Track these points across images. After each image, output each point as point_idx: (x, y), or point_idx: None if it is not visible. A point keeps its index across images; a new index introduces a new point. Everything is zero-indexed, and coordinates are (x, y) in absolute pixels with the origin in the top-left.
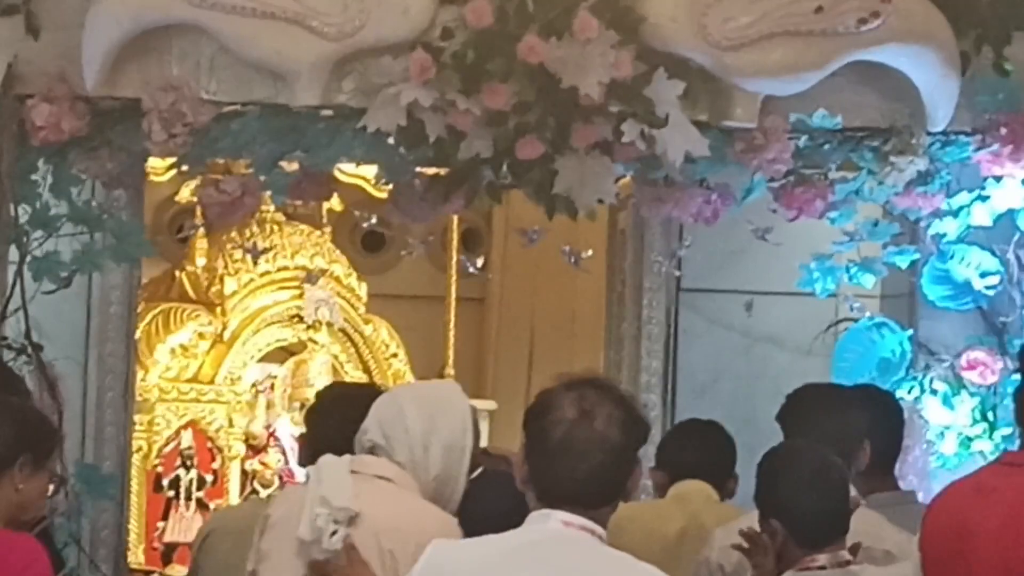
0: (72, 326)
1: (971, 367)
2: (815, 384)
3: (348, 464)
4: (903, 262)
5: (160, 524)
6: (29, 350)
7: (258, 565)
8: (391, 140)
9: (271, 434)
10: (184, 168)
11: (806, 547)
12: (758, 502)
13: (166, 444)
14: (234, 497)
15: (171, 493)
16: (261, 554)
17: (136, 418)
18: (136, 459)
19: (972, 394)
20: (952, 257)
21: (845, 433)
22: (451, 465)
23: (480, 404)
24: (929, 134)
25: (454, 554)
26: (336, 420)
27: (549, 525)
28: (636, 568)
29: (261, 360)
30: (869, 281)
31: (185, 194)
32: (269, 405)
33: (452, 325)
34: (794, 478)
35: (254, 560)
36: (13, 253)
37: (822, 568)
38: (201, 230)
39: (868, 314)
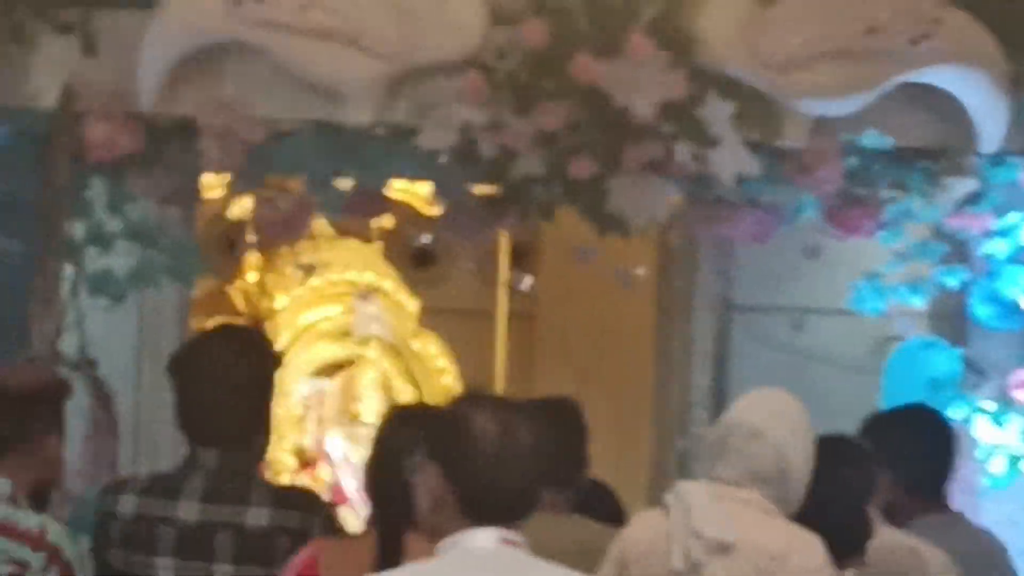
0: (125, 342)
1: (1020, 387)
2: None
3: (708, 491)
4: (953, 282)
5: None
6: (84, 366)
7: None
8: (444, 159)
9: (321, 449)
10: (239, 186)
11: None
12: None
13: None
14: None
15: None
16: None
17: None
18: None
19: (1021, 414)
20: (1002, 277)
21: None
22: (799, 481)
23: None
24: (979, 155)
25: None
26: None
27: (489, 546)
28: None
29: (311, 375)
30: (919, 301)
31: (237, 210)
32: (319, 420)
33: (501, 340)
34: (822, 492)
35: None
36: (68, 269)
37: None
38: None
39: (918, 334)
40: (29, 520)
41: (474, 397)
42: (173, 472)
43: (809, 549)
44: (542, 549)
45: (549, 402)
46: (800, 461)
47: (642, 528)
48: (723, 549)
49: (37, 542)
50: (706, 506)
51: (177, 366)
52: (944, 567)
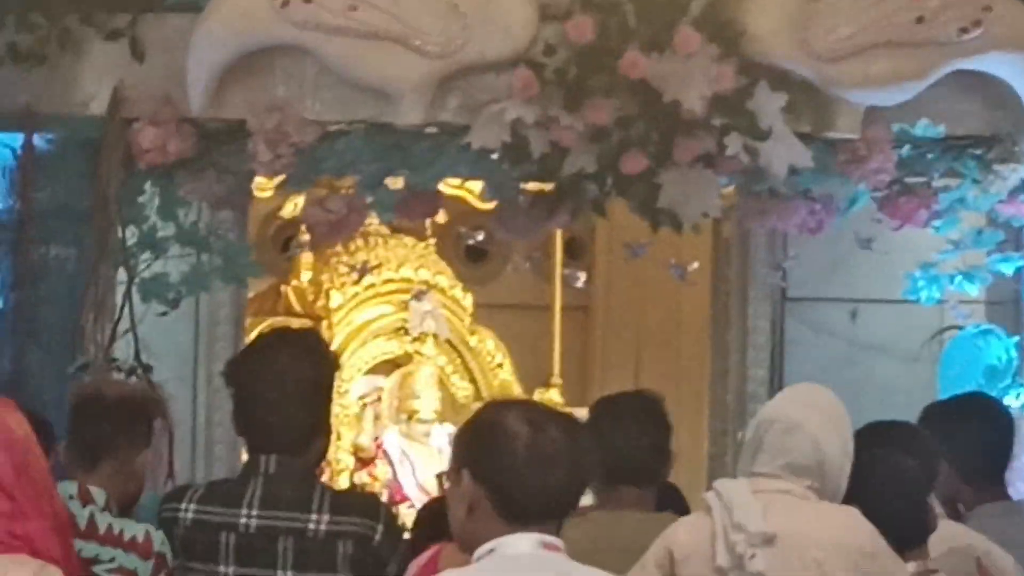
0: (180, 345)
1: None
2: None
3: (747, 486)
4: (1008, 269)
5: None
6: (139, 371)
7: None
8: (495, 157)
9: (379, 447)
10: (290, 187)
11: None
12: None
13: None
14: None
15: None
16: None
17: None
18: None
19: None
20: None
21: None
22: (838, 471)
23: (586, 413)
24: None
25: None
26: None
27: (527, 550)
28: None
29: (368, 373)
30: (974, 289)
31: (289, 209)
32: (377, 417)
33: (558, 334)
34: (869, 484)
35: None
36: (122, 275)
37: None
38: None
39: (974, 321)
40: (134, 529)
41: (503, 401)
42: (234, 479)
43: (855, 530)
44: (629, 546)
45: (632, 396)
46: (836, 452)
47: (686, 530)
48: (767, 541)
49: (145, 550)
50: (746, 500)
51: (234, 372)
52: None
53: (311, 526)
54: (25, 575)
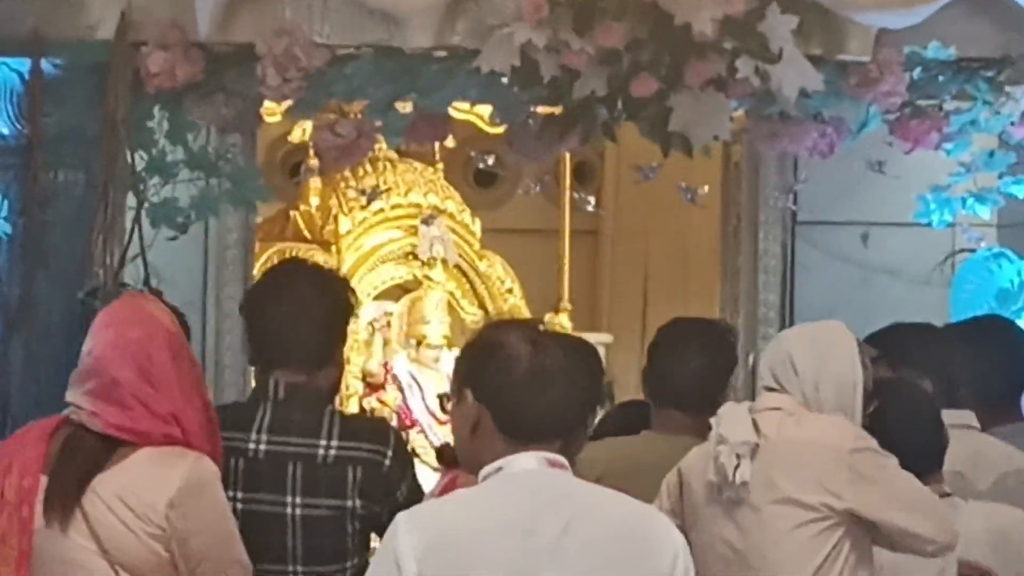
0: (189, 270)
1: None
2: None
3: (746, 406)
4: (1020, 192)
5: None
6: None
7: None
8: (505, 80)
9: (388, 372)
10: (298, 111)
11: None
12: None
13: None
14: None
15: None
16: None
17: None
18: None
19: None
20: None
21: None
22: (844, 400)
23: (596, 338)
24: None
25: (456, 522)
26: None
27: (531, 467)
28: (629, 501)
29: (377, 298)
30: (986, 212)
31: (297, 134)
32: (386, 343)
33: (567, 259)
34: (888, 412)
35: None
36: (131, 200)
37: None
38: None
39: (985, 244)
40: None
41: (504, 322)
42: (243, 403)
43: (840, 433)
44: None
45: (692, 321)
46: (817, 373)
47: (694, 453)
48: (751, 449)
49: None
50: (737, 417)
51: (252, 295)
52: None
53: (320, 452)
54: (184, 466)
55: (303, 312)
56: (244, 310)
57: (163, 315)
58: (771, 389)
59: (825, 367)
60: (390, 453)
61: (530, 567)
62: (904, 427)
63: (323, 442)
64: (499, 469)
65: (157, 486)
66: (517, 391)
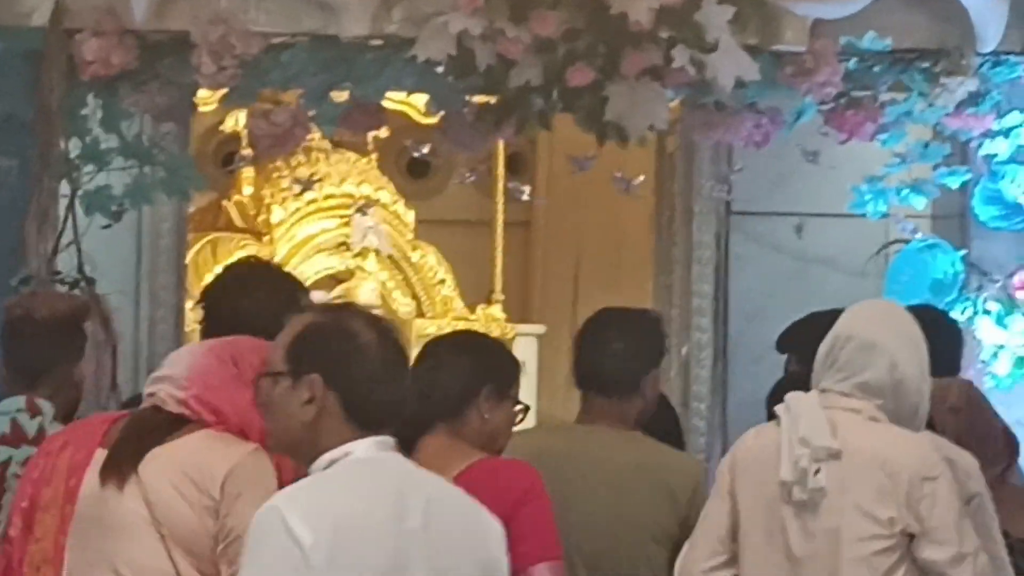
0: (123, 259)
1: (1023, 287)
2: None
3: (819, 400)
4: (954, 183)
5: None
6: (82, 284)
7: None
8: (441, 69)
9: None
10: (234, 100)
11: None
12: None
13: None
14: None
15: None
16: (732, 495)
17: None
18: None
19: None
20: (1003, 177)
21: None
22: (919, 398)
23: (528, 328)
24: (979, 54)
25: (334, 502)
26: None
27: (373, 454)
28: (451, 486)
29: (309, 288)
30: (920, 202)
31: (230, 123)
32: None
33: (500, 250)
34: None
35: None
36: (64, 187)
37: None
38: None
39: (920, 235)
40: None
41: (334, 307)
42: None
43: (921, 453)
44: (600, 462)
45: (616, 309)
46: (914, 374)
47: (754, 437)
48: (831, 456)
49: None
50: (815, 415)
51: (215, 291)
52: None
53: None
54: (247, 447)
55: (259, 302)
56: (205, 301)
57: None
58: (827, 387)
59: (908, 373)
60: None
61: (406, 548)
62: None
63: None
64: (347, 454)
65: (219, 458)
66: (372, 380)
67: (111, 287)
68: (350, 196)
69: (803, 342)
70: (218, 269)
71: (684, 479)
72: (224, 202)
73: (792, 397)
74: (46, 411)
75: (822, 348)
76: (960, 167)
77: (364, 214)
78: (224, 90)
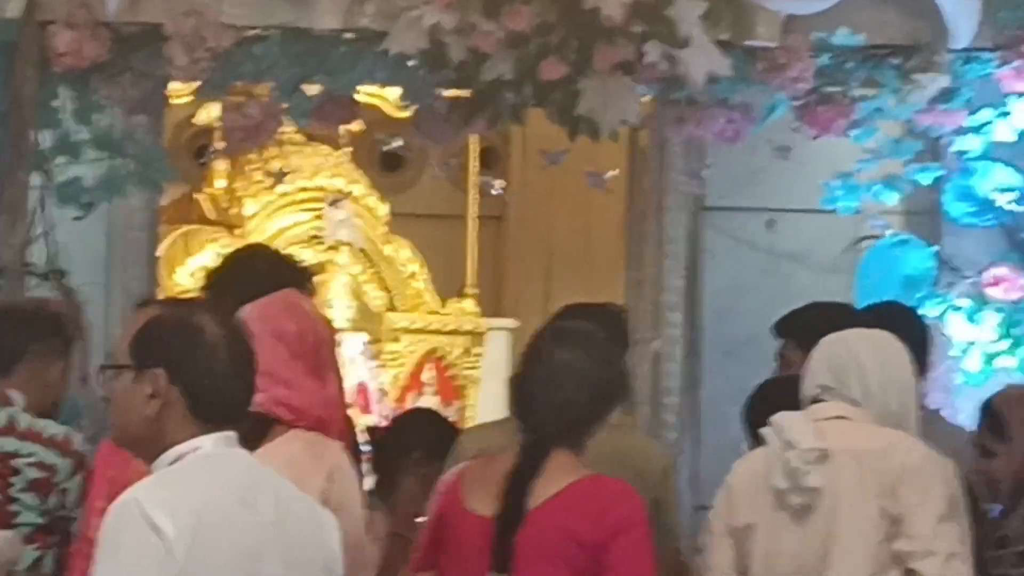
0: (94, 251)
1: (995, 283)
2: (820, 304)
3: (805, 415)
4: (926, 179)
5: None
6: (54, 275)
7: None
8: (413, 63)
9: None
10: (207, 92)
11: None
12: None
13: None
14: None
15: None
16: (746, 523)
17: None
18: None
19: (997, 310)
20: (975, 174)
21: None
22: (905, 402)
23: (500, 323)
24: (951, 51)
25: (191, 495)
26: None
27: (219, 451)
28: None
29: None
30: (892, 198)
31: (203, 116)
32: None
33: (472, 244)
34: (770, 404)
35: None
36: (36, 179)
37: None
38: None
39: (891, 231)
40: (54, 428)
41: (180, 302)
42: None
43: (910, 447)
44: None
45: (586, 304)
46: (884, 380)
47: (747, 461)
48: (821, 456)
49: (64, 448)
50: (800, 424)
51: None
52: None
53: None
54: (334, 449)
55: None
56: (210, 289)
57: (318, 316)
58: (824, 388)
59: (888, 366)
60: None
61: (262, 540)
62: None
63: None
64: (196, 449)
65: (314, 463)
66: (217, 375)
67: (82, 279)
68: (323, 189)
69: (801, 328)
70: (191, 262)
71: (653, 463)
72: (197, 195)
73: (776, 416)
74: (17, 402)
75: (805, 371)
76: (932, 163)
77: (336, 207)
78: (196, 83)
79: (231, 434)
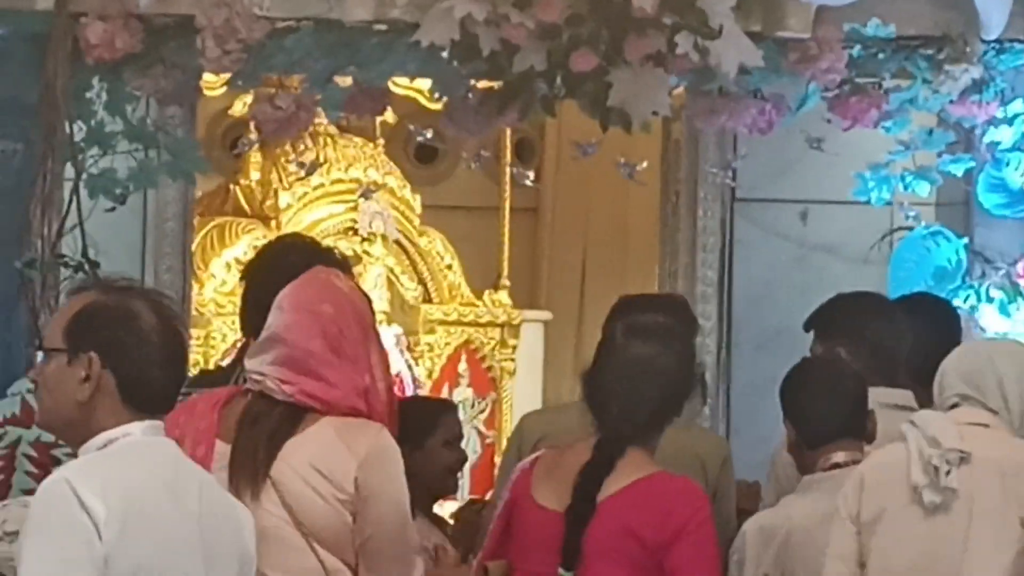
0: (128, 242)
1: None
2: (850, 294)
3: (949, 416)
4: (958, 170)
5: None
6: (86, 267)
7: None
8: (445, 54)
9: None
10: (238, 84)
11: (812, 447)
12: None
13: (223, 358)
14: None
15: None
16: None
17: (192, 332)
18: (193, 373)
19: None
20: (1007, 165)
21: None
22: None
23: (535, 315)
24: (983, 42)
25: (120, 479)
26: None
27: (149, 438)
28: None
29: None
30: (924, 189)
31: (238, 108)
32: None
33: (507, 235)
34: (803, 384)
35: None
36: (69, 171)
37: (836, 466)
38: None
39: (923, 223)
40: None
41: (116, 287)
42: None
43: None
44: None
45: (662, 298)
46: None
47: (882, 453)
48: (963, 458)
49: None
50: (944, 423)
51: (250, 267)
52: None
53: None
54: (372, 432)
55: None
56: (247, 280)
57: (353, 293)
58: (962, 397)
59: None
60: None
61: (187, 529)
62: (810, 398)
63: None
64: (126, 435)
65: (349, 450)
66: (150, 363)
67: (116, 271)
68: (357, 181)
69: (827, 322)
70: (226, 253)
71: (714, 451)
72: (231, 187)
73: (920, 414)
74: None
75: (938, 378)
76: (964, 154)
77: (368, 198)
78: (228, 74)
79: (159, 423)
